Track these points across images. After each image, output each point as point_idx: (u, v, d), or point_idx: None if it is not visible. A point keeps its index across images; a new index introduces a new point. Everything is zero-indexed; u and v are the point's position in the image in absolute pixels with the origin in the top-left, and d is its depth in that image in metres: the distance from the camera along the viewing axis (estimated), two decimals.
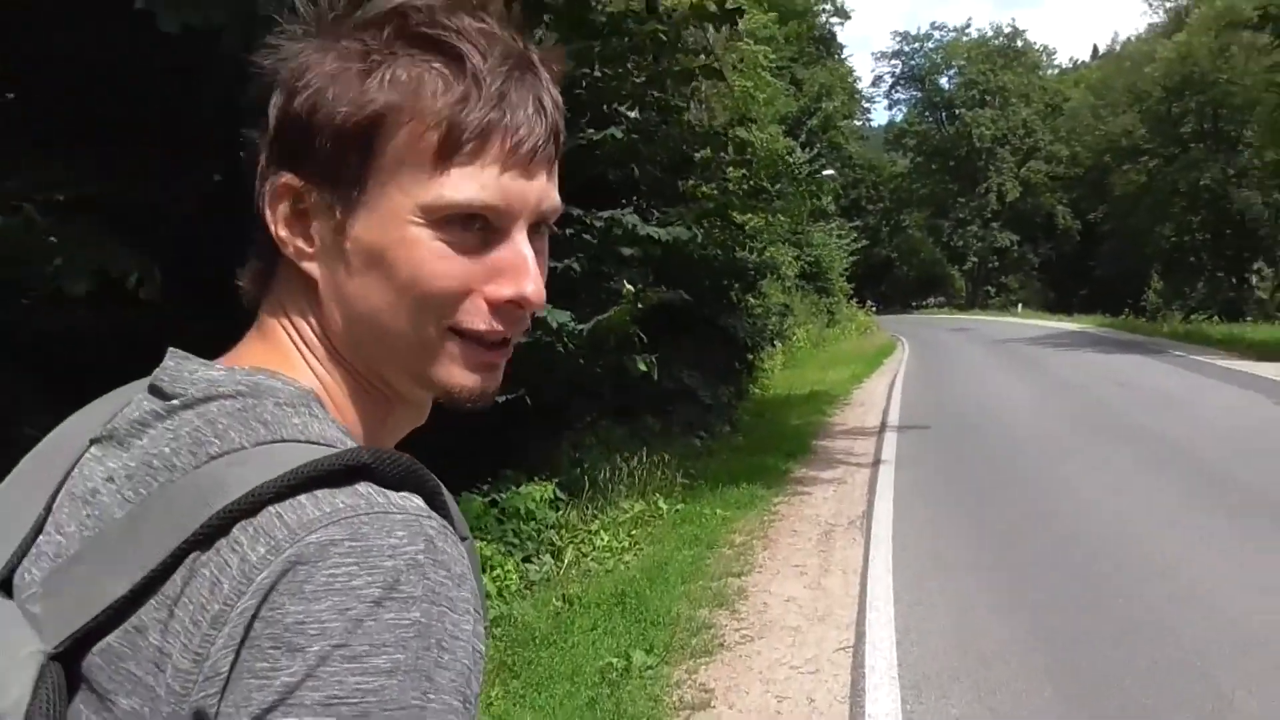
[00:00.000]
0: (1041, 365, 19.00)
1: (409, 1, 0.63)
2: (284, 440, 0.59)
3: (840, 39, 58.87)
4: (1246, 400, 12.71)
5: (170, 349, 0.66)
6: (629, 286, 6.37)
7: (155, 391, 0.64)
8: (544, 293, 0.65)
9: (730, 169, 12.19)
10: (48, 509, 0.63)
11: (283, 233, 0.65)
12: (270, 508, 0.54)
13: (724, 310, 13.25)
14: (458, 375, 0.66)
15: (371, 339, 0.65)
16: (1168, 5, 53.95)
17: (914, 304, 59.63)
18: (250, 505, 0.54)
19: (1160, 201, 45.77)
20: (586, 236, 6.58)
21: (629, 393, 11.12)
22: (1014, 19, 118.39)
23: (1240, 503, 7.12)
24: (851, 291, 37.40)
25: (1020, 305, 52.59)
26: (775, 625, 4.72)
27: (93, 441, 0.64)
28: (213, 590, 0.53)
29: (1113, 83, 52.78)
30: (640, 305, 6.70)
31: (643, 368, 6.87)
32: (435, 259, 0.62)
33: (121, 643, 0.54)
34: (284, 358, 0.66)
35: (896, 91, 66.01)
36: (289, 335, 0.67)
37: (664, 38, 6.56)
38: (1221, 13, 41.79)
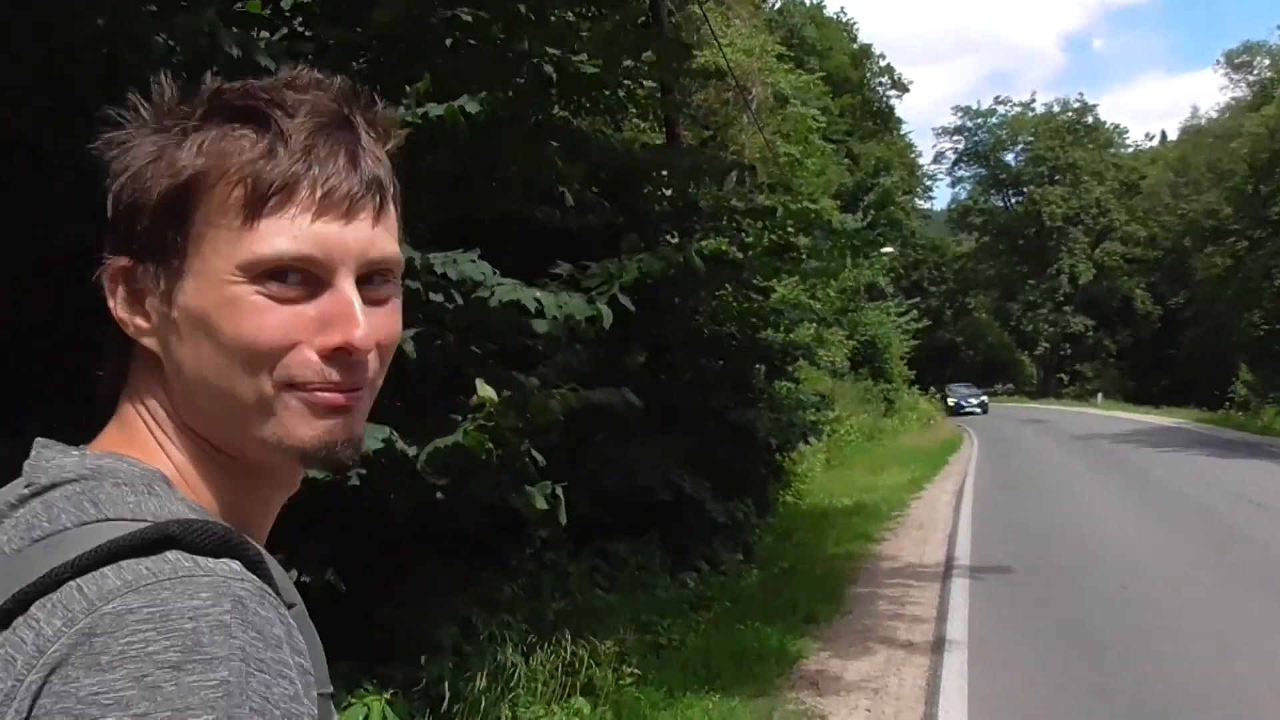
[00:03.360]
0: (1142, 472, 15.65)
1: (231, 83, 0.66)
2: (109, 519, 0.58)
3: (899, 113, 56.80)
4: None
5: (37, 438, 0.66)
6: (484, 391, 3.63)
7: (26, 481, 0.64)
8: (375, 338, 0.64)
9: (746, 220, 9.53)
10: None
11: (122, 314, 0.67)
12: (71, 582, 0.54)
13: (741, 402, 10.46)
14: (301, 428, 0.64)
15: (211, 405, 0.65)
16: (1250, 78, 51.05)
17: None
18: (50, 582, 0.54)
19: (1249, 287, 42.09)
20: (437, 298, 3.87)
21: (605, 506, 8.36)
22: (1082, 93, 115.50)
23: None
24: (913, 377, 34.21)
25: (1100, 395, 48.65)
26: None
27: None
28: (6, 668, 0.52)
29: (1193, 160, 49.55)
30: (526, 415, 3.98)
31: (541, 505, 4.12)
32: (256, 313, 0.62)
33: None
34: (135, 441, 0.66)
35: (959, 169, 63.11)
36: (141, 418, 0.67)
37: None
38: None
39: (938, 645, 5.89)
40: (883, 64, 54.01)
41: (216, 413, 0.65)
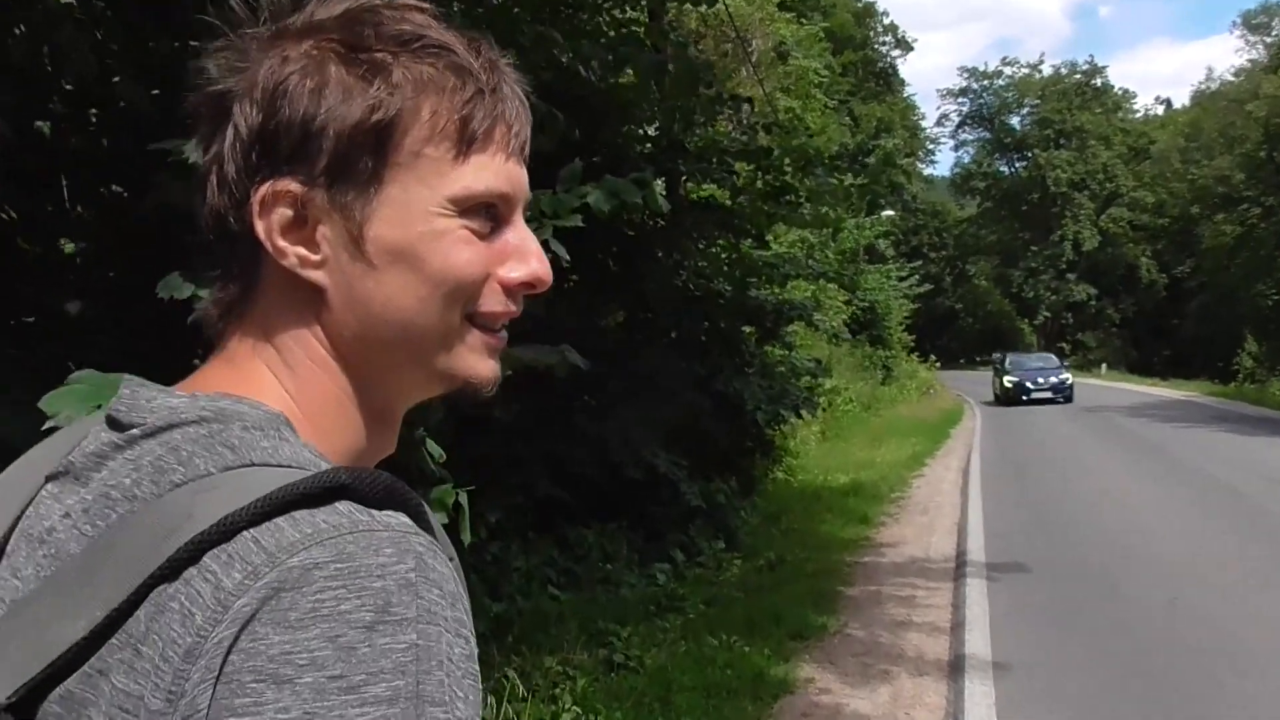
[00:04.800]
0: (1165, 451, 14.52)
1: (368, 2, 0.63)
2: (253, 464, 0.55)
3: (903, 75, 55.11)
4: None
5: (125, 377, 0.63)
6: None
7: (112, 423, 0.60)
8: (551, 272, 0.66)
9: (739, 163, 8.32)
10: (1, 553, 0.59)
11: (280, 242, 0.61)
12: (245, 532, 0.51)
13: (728, 368, 9.32)
14: (478, 363, 0.66)
15: (394, 339, 0.63)
16: (1267, 40, 49.45)
17: (980, 359, 54.70)
18: (222, 532, 0.51)
19: (1259, 256, 40.84)
20: None
21: (568, 486, 7.24)
22: (1092, 56, 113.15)
23: None
24: (912, 344, 33.08)
25: (1104, 365, 47.55)
26: None
27: (48, 478, 0.60)
28: (184, 623, 0.49)
29: (1205, 125, 48.06)
30: None
31: (439, 517, 2.96)
32: (464, 247, 0.62)
33: (83, 688, 0.51)
34: (252, 382, 0.62)
35: (963, 132, 61.54)
36: (264, 358, 0.63)
37: None
38: None
39: (956, 670, 4.80)
40: (886, 22, 52.34)
41: (397, 348, 0.63)
